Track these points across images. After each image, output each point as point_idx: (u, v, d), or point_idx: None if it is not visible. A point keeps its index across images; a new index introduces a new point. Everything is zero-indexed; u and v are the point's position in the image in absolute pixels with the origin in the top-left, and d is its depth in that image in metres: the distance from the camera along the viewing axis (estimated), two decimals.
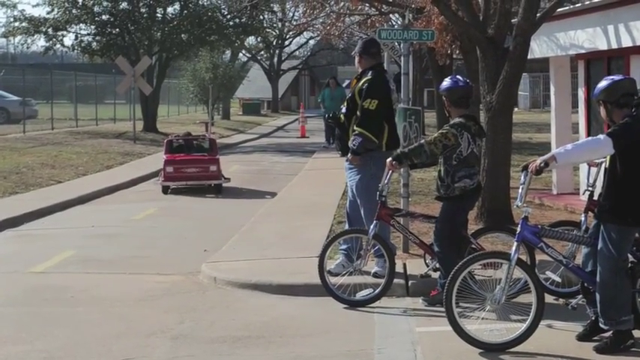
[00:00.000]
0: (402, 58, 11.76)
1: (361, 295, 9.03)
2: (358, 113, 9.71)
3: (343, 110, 9.99)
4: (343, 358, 7.25)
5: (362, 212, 9.83)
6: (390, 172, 8.91)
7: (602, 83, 7.36)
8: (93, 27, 36.32)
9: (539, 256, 8.47)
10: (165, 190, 18.84)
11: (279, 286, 9.64)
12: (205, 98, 46.49)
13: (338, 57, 70.59)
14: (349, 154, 9.79)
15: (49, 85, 40.55)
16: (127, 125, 36.99)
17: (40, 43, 38.60)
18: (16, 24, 35.54)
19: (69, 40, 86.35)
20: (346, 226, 10.15)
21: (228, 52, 54.11)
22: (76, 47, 37.16)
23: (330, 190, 17.27)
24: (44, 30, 35.05)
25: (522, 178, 7.32)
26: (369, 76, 9.85)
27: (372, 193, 9.43)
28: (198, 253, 11.73)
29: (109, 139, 31.74)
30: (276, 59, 65.73)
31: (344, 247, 9.89)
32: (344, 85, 34.75)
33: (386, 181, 9.05)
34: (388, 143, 9.79)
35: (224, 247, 11.82)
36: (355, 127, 9.70)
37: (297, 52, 71.47)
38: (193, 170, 18.67)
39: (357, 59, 10.15)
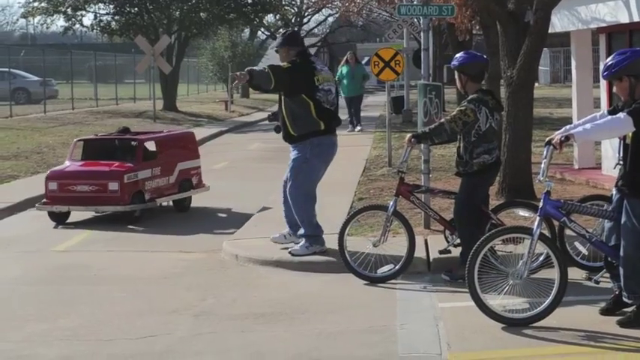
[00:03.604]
0: (422, 34, 11.72)
1: (382, 271, 9.03)
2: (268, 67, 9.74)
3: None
4: (366, 334, 7.26)
5: (288, 190, 9.92)
6: (409, 148, 8.92)
7: (623, 57, 7.26)
8: (112, 6, 36.36)
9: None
10: (56, 218, 12.84)
11: (300, 263, 9.65)
12: (224, 77, 46.50)
13: (357, 34, 70.35)
14: (237, 73, 9.79)
15: (69, 65, 40.64)
16: (146, 104, 37.01)
17: (59, 23, 38.76)
18: (36, 4, 35.62)
19: (88, 19, 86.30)
20: (283, 207, 10.23)
21: (246, 31, 54.02)
22: (95, 27, 37.21)
23: (350, 167, 17.24)
24: (63, 10, 35.10)
25: (545, 152, 7.28)
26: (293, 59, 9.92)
27: (302, 176, 9.83)
28: (219, 231, 11.75)
29: (130, 119, 31.78)
30: None
31: (286, 218, 10.15)
32: (362, 62, 34.22)
33: (405, 158, 9.05)
34: (322, 119, 9.80)
35: (245, 224, 11.84)
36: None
37: (315, 30, 71.24)
38: (85, 189, 12.68)
39: (282, 52, 10.06)
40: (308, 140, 9.83)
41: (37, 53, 44.62)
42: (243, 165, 19.80)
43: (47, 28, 38.29)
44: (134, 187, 12.76)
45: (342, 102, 26.81)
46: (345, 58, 26.63)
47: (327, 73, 10.13)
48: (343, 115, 26.70)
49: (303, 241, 9.82)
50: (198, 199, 14.67)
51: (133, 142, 13.37)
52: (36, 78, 40.59)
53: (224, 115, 37.18)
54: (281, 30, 63.50)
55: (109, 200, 12.63)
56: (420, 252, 9.36)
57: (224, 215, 13.12)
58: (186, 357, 6.83)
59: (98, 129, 27.21)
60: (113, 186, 12.57)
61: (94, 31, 39.06)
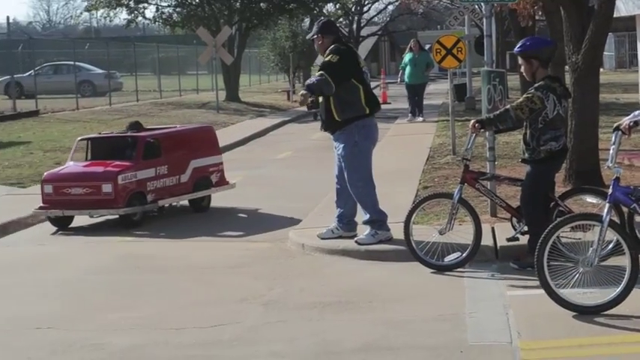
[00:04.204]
0: (485, 20, 11.63)
1: (449, 259, 8.99)
2: (321, 71, 9.70)
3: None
4: (434, 322, 7.25)
5: (346, 179, 9.94)
6: (474, 135, 8.87)
7: None
8: None
9: None
10: (56, 223, 12.11)
11: (366, 252, 9.67)
12: (286, 67, 46.63)
13: (417, 22, 69.97)
14: (302, 91, 9.77)
15: (133, 58, 41.15)
16: (209, 95, 37.32)
17: (122, 16, 39.05)
18: None
19: (150, 12, 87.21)
20: (335, 200, 10.26)
21: (307, 20, 54.05)
22: (157, 19, 37.60)
23: (414, 156, 17.21)
24: (126, 3, 35.50)
25: (613, 138, 7.19)
26: (332, 48, 9.91)
27: (356, 160, 9.82)
28: (284, 220, 11.82)
29: (193, 110, 32.09)
30: (355, 26, 65.40)
31: (337, 212, 10.15)
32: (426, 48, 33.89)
33: (469, 145, 9.01)
34: (368, 104, 9.87)
35: (310, 214, 11.89)
36: (318, 72, 9.74)
37: (376, 18, 71.10)
38: (79, 192, 11.90)
39: (318, 42, 10.09)
40: (353, 124, 9.84)
41: (101, 46, 45.23)
42: (306, 155, 19.86)
43: (110, 21, 38.75)
44: (132, 188, 11.91)
45: (404, 90, 26.81)
46: (409, 45, 26.24)
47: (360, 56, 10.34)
48: (405, 103, 26.70)
49: (368, 230, 9.83)
50: (259, 189, 14.77)
51: (131, 140, 12.51)
52: (100, 71, 41.16)
53: (286, 105, 37.30)
54: (341, 19, 63.58)
55: (103, 204, 11.77)
56: (487, 240, 9.31)
57: (288, 205, 13.17)
58: (256, 345, 6.89)
59: (163, 120, 27.52)
60: (107, 188, 11.73)
61: (156, 23, 39.49)
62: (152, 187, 12.25)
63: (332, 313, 7.66)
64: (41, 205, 12.05)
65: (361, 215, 10.06)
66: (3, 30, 44.47)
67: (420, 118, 25.16)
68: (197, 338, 7.12)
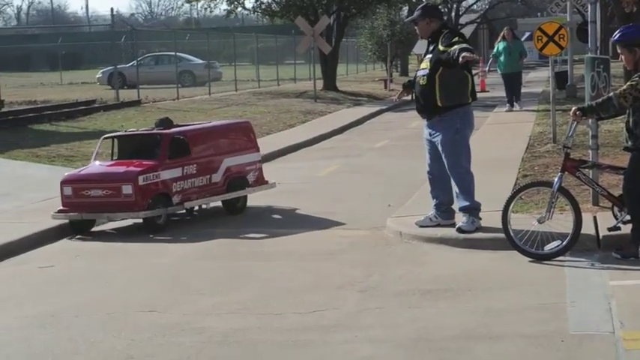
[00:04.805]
0: (589, 6, 11.44)
1: (548, 248, 8.88)
2: (455, 47, 9.38)
3: (425, 72, 9.80)
4: (535, 311, 7.17)
5: (447, 167, 9.87)
6: (575, 123, 8.73)
7: None
8: None
9: None
10: (76, 228, 11.32)
11: (465, 240, 9.61)
12: (383, 55, 46.58)
13: (517, 9, 69.11)
14: (467, 54, 9.22)
15: (232, 48, 41.60)
16: (307, 85, 37.51)
17: (222, 7, 39.54)
18: None
19: (249, 2, 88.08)
20: (430, 190, 10.26)
21: (405, 8, 53.85)
22: (256, 9, 37.94)
23: (513, 144, 17.01)
24: None
25: None
26: (446, 32, 9.73)
27: (458, 147, 9.77)
28: (382, 208, 11.83)
29: (291, 99, 32.29)
30: (453, 14, 64.92)
31: (434, 201, 10.11)
32: (523, 38, 33.37)
33: (570, 133, 8.87)
34: (472, 94, 9.85)
35: (408, 202, 11.87)
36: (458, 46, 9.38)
37: (475, 6, 70.38)
38: (99, 194, 11.19)
39: (423, 25, 9.89)
40: (454, 111, 9.79)
41: (201, 37, 45.88)
42: (404, 143, 19.80)
43: (210, 12, 39.31)
44: (155, 190, 11.21)
45: (499, 79, 26.48)
46: (501, 34, 25.62)
47: None
48: (501, 92, 26.36)
49: (467, 217, 9.77)
50: (357, 177, 14.77)
51: (158, 137, 11.68)
52: (200, 61, 41.79)
53: (383, 93, 37.25)
54: (440, 7, 63.11)
55: (123, 206, 11.05)
56: (588, 229, 9.16)
57: (386, 193, 13.17)
58: (354, 331, 6.92)
59: (261, 109, 27.80)
60: (127, 189, 11.00)
61: (255, 13, 39.82)
62: (178, 188, 11.47)
63: (430, 301, 7.65)
64: (60, 208, 11.30)
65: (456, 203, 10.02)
66: (107, 22, 45.43)
67: (518, 107, 24.73)
68: (296, 323, 7.19)
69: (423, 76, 9.85)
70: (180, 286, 8.65)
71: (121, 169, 11.42)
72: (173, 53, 38.08)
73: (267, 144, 20.01)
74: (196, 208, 12.23)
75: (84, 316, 7.69)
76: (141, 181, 11.05)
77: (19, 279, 9.31)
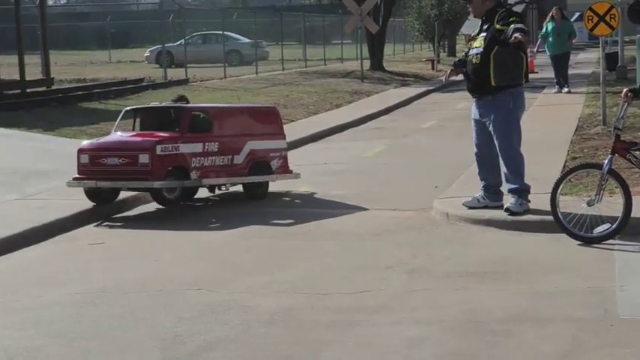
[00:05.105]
0: None
1: (597, 231, 8.80)
2: (512, 26, 9.28)
3: (479, 50, 9.70)
4: (584, 294, 7.12)
5: (497, 148, 9.80)
6: (626, 104, 8.64)
7: None
8: None
9: None
10: (91, 196, 11.19)
11: (512, 222, 9.56)
12: (431, 36, 46.31)
13: None
14: (520, 35, 9.13)
15: (279, 27, 41.57)
16: (353, 65, 37.40)
17: None
18: None
19: None
20: (478, 171, 10.23)
21: None
22: None
23: (562, 126, 16.86)
24: None
25: None
26: (502, 11, 9.64)
27: (510, 128, 9.71)
28: (429, 190, 11.80)
29: (337, 79, 32.23)
30: None
31: (483, 183, 10.07)
32: (573, 18, 32.79)
33: (621, 115, 8.77)
34: (525, 75, 9.78)
35: (455, 183, 11.82)
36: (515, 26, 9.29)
37: None
38: (115, 162, 11.02)
39: (477, 3, 9.82)
40: (507, 91, 9.72)
41: (249, 16, 45.93)
42: (451, 124, 19.72)
43: None
44: (172, 161, 11.00)
45: (548, 60, 26.20)
46: (550, 14, 25.00)
47: None
48: (551, 73, 26.07)
49: (515, 199, 9.71)
50: (404, 158, 14.72)
51: (179, 111, 11.53)
52: (247, 40, 41.82)
53: (430, 74, 37.07)
54: None
55: (139, 175, 10.83)
56: (638, 212, 9.05)
57: (433, 174, 13.12)
58: (401, 312, 6.92)
59: (307, 89, 27.78)
60: (143, 158, 10.78)
61: None
62: (198, 163, 11.22)
63: (477, 283, 7.63)
64: (75, 176, 11.24)
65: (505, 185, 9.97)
66: (155, 0, 45.62)
67: (566, 89, 24.33)
68: (342, 303, 7.21)
69: (477, 54, 9.78)
70: (227, 264, 8.71)
71: (139, 138, 11.31)
72: (220, 32, 38.17)
73: (313, 124, 20.06)
74: (217, 192, 12.06)
75: (133, 292, 7.77)
76: (158, 150, 10.86)
77: (69, 255, 9.44)
